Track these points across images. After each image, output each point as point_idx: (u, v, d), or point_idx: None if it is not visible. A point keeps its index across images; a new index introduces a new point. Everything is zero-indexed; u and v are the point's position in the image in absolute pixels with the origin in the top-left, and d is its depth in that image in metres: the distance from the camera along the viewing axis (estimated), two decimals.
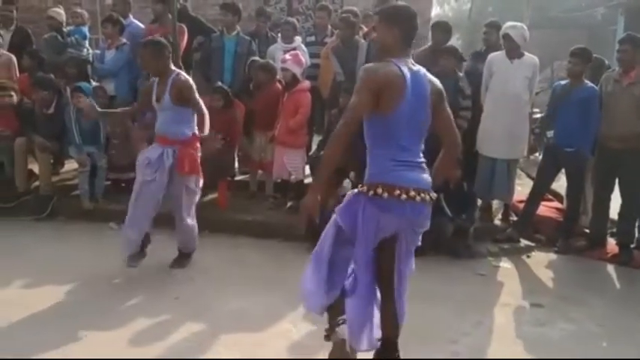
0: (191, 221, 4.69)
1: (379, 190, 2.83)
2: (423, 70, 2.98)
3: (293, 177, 6.00)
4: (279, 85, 6.01)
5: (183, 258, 4.81)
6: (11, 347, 3.46)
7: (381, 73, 2.83)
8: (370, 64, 2.98)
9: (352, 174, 5.66)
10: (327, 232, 3.05)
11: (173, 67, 4.59)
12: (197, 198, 4.76)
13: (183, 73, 4.59)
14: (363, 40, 6.23)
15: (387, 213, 2.85)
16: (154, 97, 4.50)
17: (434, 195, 2.93)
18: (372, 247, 2.93)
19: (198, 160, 4.59)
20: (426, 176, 2.96)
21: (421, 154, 2.98)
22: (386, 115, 2.83)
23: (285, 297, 4.14)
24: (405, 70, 2.85)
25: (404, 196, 2.81)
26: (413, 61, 2.95)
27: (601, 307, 4.46)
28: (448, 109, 3.07)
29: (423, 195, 2.86)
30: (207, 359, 3.47)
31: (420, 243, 3.07)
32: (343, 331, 3.07)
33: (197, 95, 4.48)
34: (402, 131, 2.86)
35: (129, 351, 3.49)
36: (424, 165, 2.97)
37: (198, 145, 4.55)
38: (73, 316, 3.87)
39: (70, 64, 6.47)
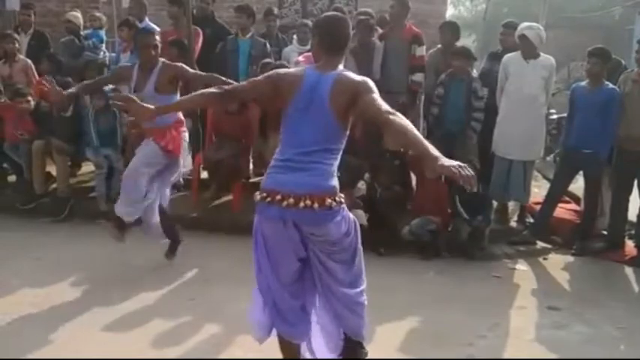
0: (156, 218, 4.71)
1: (256, 195, 2.82)
2: (339, 73, 2.79)
3: None
4: None
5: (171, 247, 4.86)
6: (26, 346, 3.49)
7: (281, 71, 2.95)
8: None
9: (367, 175, 5.67)
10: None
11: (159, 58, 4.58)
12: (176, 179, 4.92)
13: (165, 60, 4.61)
14: (379, 43, 6.22)
15: (264, 219, 2.79)
16: (131, 85, 4.53)
17: (328, 201, 2.70)
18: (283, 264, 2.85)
19: (181, 143, 4.61)
20: (315, 180, 2.72)
21: (323, 157, 2.76)
22: (282, 112, 2.84)
23: None
24: (309, 72, 2.83)
25: (269, 199, 2.72)
26: (339, 69, 2.82)
27: (619, 309, 4.41)
28: (374, 99, 2.68)
29: (295, 199, 2.67)
30: (223, 359, 3.48)
31: (347, 256, 2.88)
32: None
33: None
34: (293, 130, 2.80)
35: (145, 352, 3.51)
36: (322, 168, 2.75)
37: (182, 128, 4.64)
38: (88, 316, 3.90)
39: (90, 68, 6.53)
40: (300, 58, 5.82)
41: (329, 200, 2.70)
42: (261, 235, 2.83)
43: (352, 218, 2.89)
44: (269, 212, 2.75)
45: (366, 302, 2.98)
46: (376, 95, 2.70)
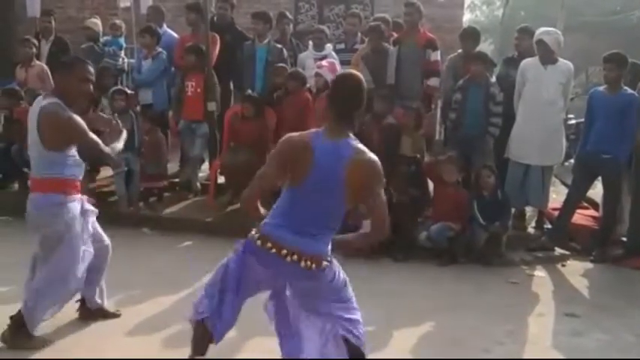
0: None
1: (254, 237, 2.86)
2: (356, 152, 2.69)
3: None
4: (307, 93, 6.05)
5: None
6: (49, 348, 3.52)
7: (289, 142, 2.80)
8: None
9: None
10: None
11: None
12: None
13: None
14: (392, 48, 6.23)
15: (256, 263, 2.85)
16: None
17: (324, 263, 2.78)
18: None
19: None
20: (319, 246, 2.79)
21: (329, 233, 2.82)
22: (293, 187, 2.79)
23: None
24: (318, 142, 2.71)
25: (273, 250, 2.77)
26: (350, 139, 2.72)
27: (638, 317, 4.36)
28: (381, 194, 2.71)
29: (299, 257, 2.75)
30: (233, 359, 3.49)
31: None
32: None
33: None
34: (302, 203, 2.78)
35: (160, 355, 3.55)
36: (326, 237, 2.82)
37: None
38: (104, 320, 3.92)
39: (105, 74, 6.59)
40: (324, 63, 5.82)
41: (324, 263, 2.78)
42: (242, 267, 2.87)
43: (336, 263, 2.92)
44: (267, 261, 2.78)
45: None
46: (382, 191, 2.73)
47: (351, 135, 2.75)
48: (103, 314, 3.92)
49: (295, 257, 2.73)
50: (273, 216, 2.84)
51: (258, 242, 2.79)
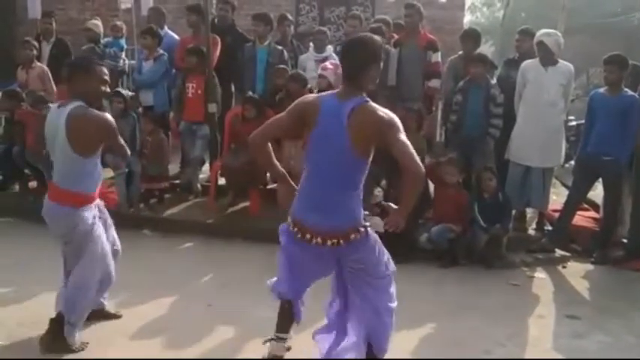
0: None
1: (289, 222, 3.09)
2: (361, 103, 2.76)
3: None
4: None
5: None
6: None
7: (303, 98, 2.98)
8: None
9: (384, 182, 5.67)
10: None
11: None
12: None
13: None
14: (393, 50, 6.23)
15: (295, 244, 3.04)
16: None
17: (352, 236, 2.87)
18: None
19: None
20: (337, 222, 2.87)
21: (344, 194, 2.87)
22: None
23: (316, 305, 4.14)
24: (327, 98, 2.86)
25: (299, 235, 2.95)
26: (360, 98, 2.79)
27: (639, 318, 4.35)
28: (397, 139, 2.69)
29: (323, 239, 2.89)
30: (236, 359, 3.50)
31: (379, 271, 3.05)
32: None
33: None
34: (313, 157, 2.90)
35: (162, 356, 3.55)
36: (343, 206, 2.88)
37: None
38: (106, 321, 3.93)
39: None
40: (328, 65, 5.82)
41: (353, 235, 2.84)
42: (287, 250, 3.04)
43: (375, 238, 2.99)
44: (300, 244, 2.93)
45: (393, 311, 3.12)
46: (401, 135, 2.69)
47: (364, 96, 2.80)
48: (103, 315, 3.92)
49: (319, 240, 2.83)
50: (297, 197, 2.96)
51: (290, 226, 2.95)
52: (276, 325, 3.22)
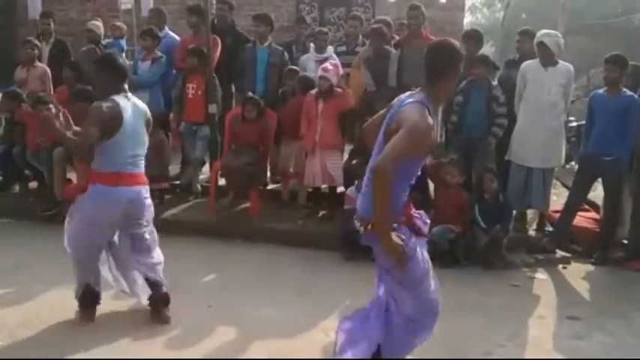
0: None
1: None
2: (408, 102, 2.88)
3: (325, 185, 6.02)
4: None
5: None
6: (47, 351, 3.52)
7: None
8: None
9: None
10: None
11: None
12: None
13: None
14: (394, 51, 6.23)
15: None
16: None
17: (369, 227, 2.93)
18: None
19: None
20: (365, 204, 2.97)
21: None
22: None
23: (318, 306, 4.15)
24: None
25: None
26: (416, 97, 2.91)
27: None
28: (392, 141, 2.81)
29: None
30: (234, 359, 3.50)
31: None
32: None
33: None
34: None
35: (160, 355, 3.55)
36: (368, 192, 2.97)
37: None
38: (107, 322, 3.94)
39: None
40: (329, 66, 5.81)
41: (370, 226, 2.86)
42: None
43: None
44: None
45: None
46: (401, 138, 2.72)
47: (426, 94, 2.88)
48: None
49: (358, 222, 2.94)
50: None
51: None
52: None
